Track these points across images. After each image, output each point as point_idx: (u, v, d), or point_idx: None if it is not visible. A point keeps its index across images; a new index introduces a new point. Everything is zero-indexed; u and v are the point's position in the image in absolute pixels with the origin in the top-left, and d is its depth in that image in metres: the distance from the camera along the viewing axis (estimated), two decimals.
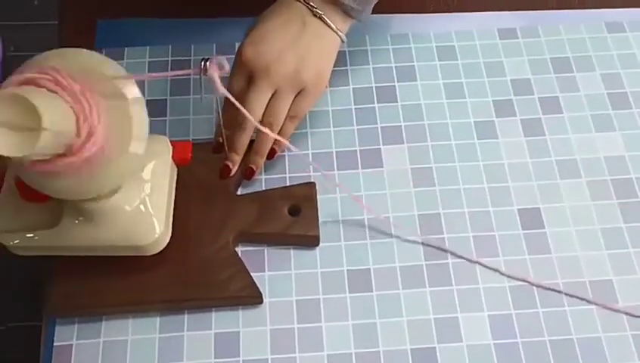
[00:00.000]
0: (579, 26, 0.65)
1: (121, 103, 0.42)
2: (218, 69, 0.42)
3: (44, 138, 0.37)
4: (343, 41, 0.55)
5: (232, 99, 0.41)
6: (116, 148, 0.42)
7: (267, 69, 0.52)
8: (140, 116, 0.43)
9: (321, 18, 0.53)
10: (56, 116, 0.38)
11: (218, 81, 0.41)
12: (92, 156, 0.41)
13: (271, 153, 0.55)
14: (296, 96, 0.54)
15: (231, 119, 0.54)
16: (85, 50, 0.43)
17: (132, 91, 0.43)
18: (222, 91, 0.42)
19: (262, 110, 0.53)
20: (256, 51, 0.52)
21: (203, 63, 0.43)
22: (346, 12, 0.54)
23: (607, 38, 0.65)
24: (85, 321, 0.51)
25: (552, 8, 0.67)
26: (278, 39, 0.52)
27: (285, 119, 0.54)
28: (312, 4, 0.53)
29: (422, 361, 0.49)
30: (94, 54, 0.43)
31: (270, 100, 0.53)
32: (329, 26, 0.53)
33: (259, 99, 0.53)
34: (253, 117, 0.53)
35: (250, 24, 0.55)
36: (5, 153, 0.37)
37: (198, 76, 0.43)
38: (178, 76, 0.42)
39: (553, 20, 0.66)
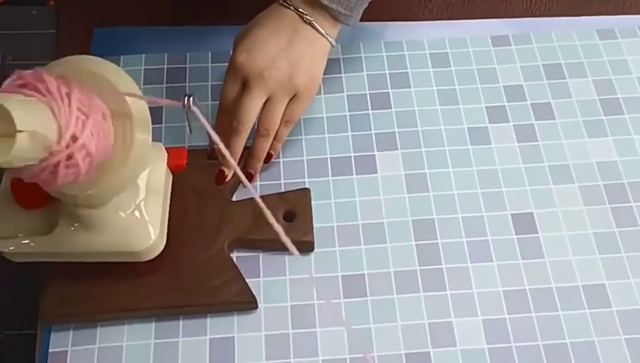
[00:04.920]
0: (571, 33, 0.66)
1: (124, 111, 0.42)
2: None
3: (20, 140, 0.36)
4: (333, 46, 0.56)
5: (213, 134, 0.42)
6: (112, 151, 0.42)
7: (261, 75, 0.53)
8: (142, 125, 0.43)
9: (311, 24, 0.54)
10: (32, 119, 0.37)
11: (201, 116, 0.41)
12: (78, 161, 0.40)
13: (268, 158, 0.56)
14: (289, 101, 0.54)
15: (226, 124, 0.55)
16: (87, 57, 0.43)
17: (137, 102, 0.43)
18: (206, 125, 0.43)
19: (257, 116, 0.54)
20: (249, 57, 0.53)
21: (185, 98, 0.44)
22: (335, 17, 0.54)
23: (598, 44, 0.65)
24: (80, 328, 0.51)
25: (542, 15, 0.67)
26: (271, 46, 0.53)
27: (280, 124, 0.55)
28: (301, 10, 0.54)
29: None
30: (98, 60, 0.43)
31: (264, 105, 0.54)
32: (319, 32, 0.54)
33: (254, 105, 0.53)
34: (248, 122, 0.54)
35: (237, 32, 0.56)
36: None
37: (182, 108, 0.44)
38: (158, 104, 0.43)
39: (545, 27, 0.67)
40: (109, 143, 0.42)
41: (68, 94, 0.39)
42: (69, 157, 0.39)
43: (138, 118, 0.43)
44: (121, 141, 0.42)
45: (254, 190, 0.42)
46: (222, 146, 0.42)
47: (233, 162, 0.44)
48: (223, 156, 0.55)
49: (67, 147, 0.39)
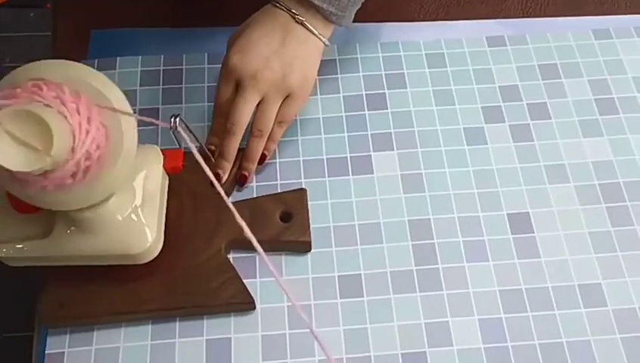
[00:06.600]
0: (566, 33, 0.66)
1: (112, 114, 0.42)
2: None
3: (52, 157, 0.37)
4: (326, 45, 0.56)
5: (198, 157, 0.42)
6: (107, 160, 0.42)
7: (254, 77, 0.53)
8: (130, 125, 0.43)
9: (302, 24, 0.54)
10: (61, 138, 0.38)
11: (187, 138, 0.42)
12: (81, 172, 0.41)
13: (262, 159, 0.56)
14: (283, 101, 0.54)
15: (221, 126, 0.55)
16: (69, 61, 0.43)
17: (121, 101, 0.43)
18: (192, 147, 0.43)
19: (250, 117, 0.54)
20: (242, 59, 0.53)
21: (172, 119, 0.44)
22: (327, 17, 0.54)
23: (594, 44, 0.66)
24: (77, 329, 0.51)
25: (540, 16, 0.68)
26: (264, 47, 0.53)
27: (273, 124, 0.55)
28: (293, 11, 0.54)
29: None
30: (79, 65, 0.43)
31: (258, 106, 0.54)
32: (311, 32, 0.54)
33: (247, 106, 0.53)
34: (242, 124, 0.54)
35: (232, 33, 0.56)
36: (13, 168, 0.37)
37: (169, 129, 0.45)
38: (147, 121, 0.44)
39: (541, 27, 0.67)
40: (105, 153, 0.42)
41: (78, 108, 0.40)
42: (77, 168, 0.40)
43: (126, 128, 0.43)
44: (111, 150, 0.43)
45: (223, 192, 0.42)
46: (206, 169, 0.42)
47: (209, 172, 0.43)
48: (218, 158, 0.55)
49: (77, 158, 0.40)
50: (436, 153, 0.59)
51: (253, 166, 0.56)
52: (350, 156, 0.59)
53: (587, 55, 0.65)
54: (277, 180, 0.58)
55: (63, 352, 0.50)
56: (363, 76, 0.63)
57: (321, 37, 0.55)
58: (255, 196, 0.57)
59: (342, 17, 0.55)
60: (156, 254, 0.49)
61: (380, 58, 0.65)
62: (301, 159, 0.59)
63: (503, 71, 0.64)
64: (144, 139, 0.58)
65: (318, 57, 0.55)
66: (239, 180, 0.56)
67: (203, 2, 0.67)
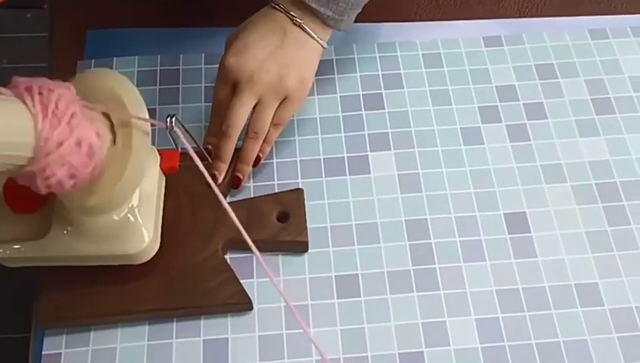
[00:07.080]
0: (563, 33, 0.66)
1: (126, 130, 0.43)
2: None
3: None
4: (324, 49, 0.56)
5: (194, 157, 0.42)
6: (112, 173, 0.43)
7: (250, 79, 0.53)
8: (140, 148, 0.44)
9: (300, 27, 0.54)
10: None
11: (183, 137, 0.42)
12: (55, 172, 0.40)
13: (256, 161, 0.56)
14: (280, 104, 0.54)
15: (219, 126, 0.55)
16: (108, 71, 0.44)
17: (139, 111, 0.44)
18: (187, 147, 0.44)
19: (246, 119, 0.54)
20: (238, 61, 0.53)
21: (169, 119, 0.44)
22: (324, 21, 0.54)
23: (590, 44, 0.66)
24: (73, 330, 0.51)
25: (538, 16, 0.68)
26: (261, 49, 0.53)
27: (269, 126, 0.55)
28: (292, 13, 0.54)
29: None
30: (116, 75, 0.44)
31: (254, 108, 0.54)
32: (309, 34, 0.54)
33: (243, 108, 0.53)
34: (237, 126, 0.54)
35: (230, 34, 0.56)
36: None
37: (165, 128, 0.45)
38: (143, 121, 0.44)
39: (537, 27, 0.67)
40: (99, 157, 0.42)
41: (54, 110, 0.39)
42: (44, 170, 0.40)
43: (138, 126, 0.43)
44: (122, 147, 0.43)
45: (219, 192, 0.43)
46: (203, 169, 0.43)
47: (205, 173, 0.44)
48: (214, 159, 0.55)
49: (44, 158, 0.39)
50: (433, 153, 0.59)
51: (248, 168, 0.56)
52: (347, 157, 0.59)
53: (584, 55, 0.65)
54: (274, 180, 0.58)
55: (60, 353, 0.50)
56: (360, 76, 0.64)
57: (319, 40, 0.55)
58: (252, 196, 0.57)
59: (340, 21, 0.55)
60: (153, 254, 0.49)
61: (377, 58, 0.65)
62: (298, 159, 0.59)
63: (500, 71, 0.64)
64: None
65: (315, 60, 0.55)
66: (233, 182, 0.56)
67: (200, 2, 0.67)
